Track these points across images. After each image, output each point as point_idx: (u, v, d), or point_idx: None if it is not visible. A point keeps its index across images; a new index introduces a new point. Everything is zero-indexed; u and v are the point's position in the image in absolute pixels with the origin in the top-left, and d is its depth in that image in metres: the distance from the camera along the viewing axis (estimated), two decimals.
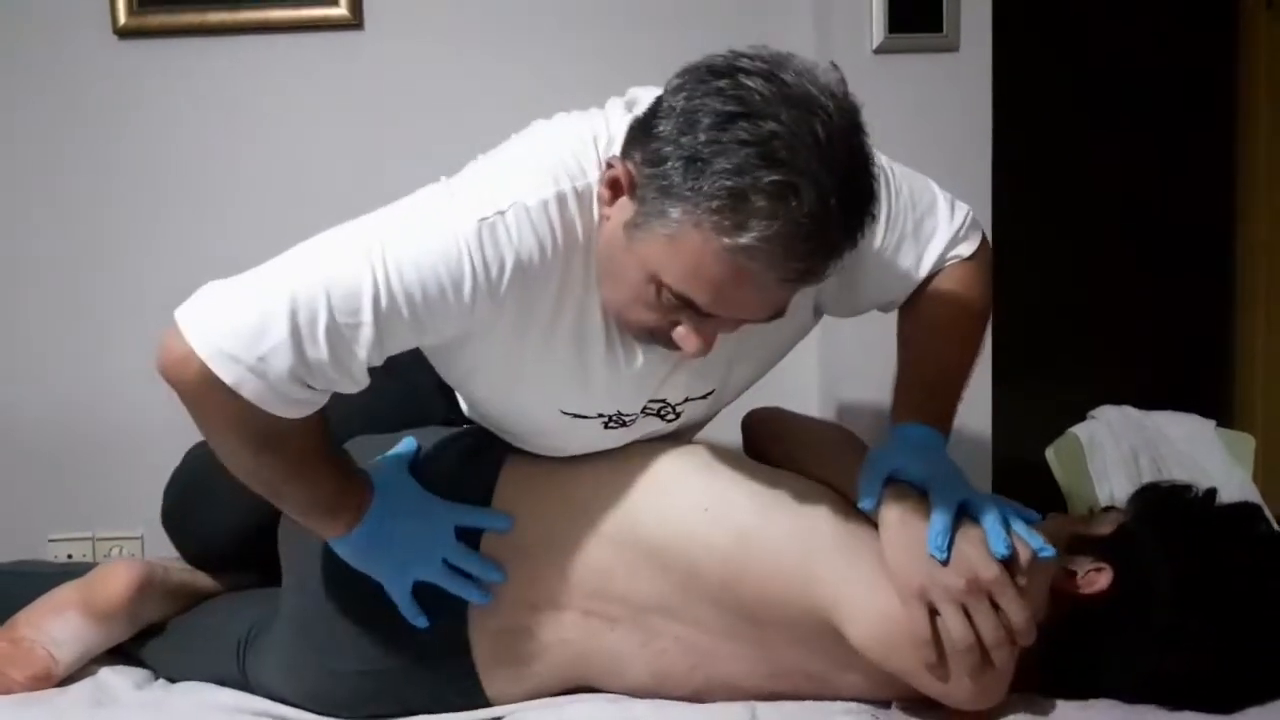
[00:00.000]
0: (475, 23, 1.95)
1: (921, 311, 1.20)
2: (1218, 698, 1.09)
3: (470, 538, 1.16)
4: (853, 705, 1.14)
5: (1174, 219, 2.42)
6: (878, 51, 1.86)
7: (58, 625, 1.28)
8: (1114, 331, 2.38)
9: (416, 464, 1.20)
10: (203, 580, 1.39)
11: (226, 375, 0.96)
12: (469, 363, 1.11)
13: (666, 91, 0.94)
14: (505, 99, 1.91)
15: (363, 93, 1.93)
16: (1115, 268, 2.42)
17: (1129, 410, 2.00)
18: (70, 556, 1.89)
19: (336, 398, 1.25)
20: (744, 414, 1.33)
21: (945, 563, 1.02)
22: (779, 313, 0.98)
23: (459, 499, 1.18)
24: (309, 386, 0.99)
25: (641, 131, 0.95)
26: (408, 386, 1.21)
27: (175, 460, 1.43)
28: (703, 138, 0.88)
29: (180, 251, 1.89)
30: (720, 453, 1.22)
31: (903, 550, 1.05)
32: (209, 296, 0.99)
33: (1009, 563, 1.03)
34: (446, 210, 0.99)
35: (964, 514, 1.06)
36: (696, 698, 1.16)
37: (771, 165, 0.86)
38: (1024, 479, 1.79)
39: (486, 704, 1.17)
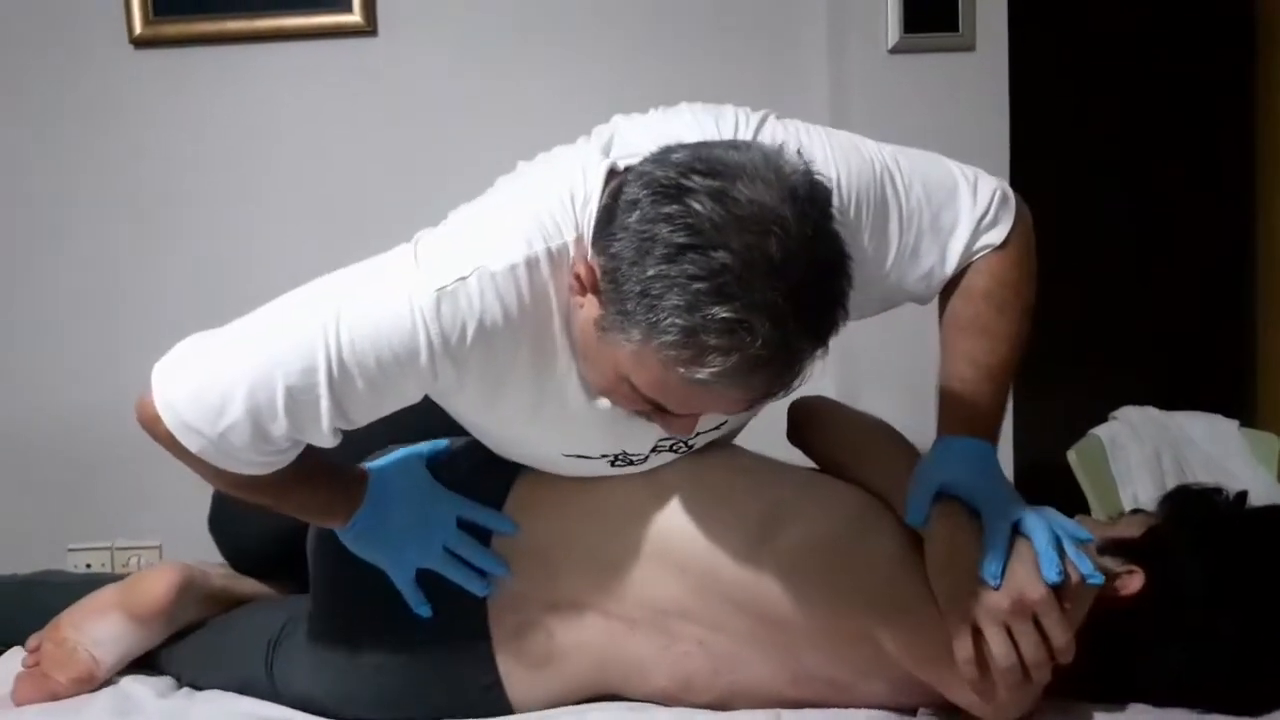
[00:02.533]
0: (488, 29, 1.95)
1: (957, 312, 1.16)
2: (1249, 700, 1.08)
3: (483, 537, 1.17)
4: (877, 714, 1.12)
5: (1193, 217, 2.39)
6: (893, 51, 1.85)
7: (100, 626, 1.29)
8: (1134, 331, 2.36)
9: (437, 464, 1.21)
10: (242, 585, 1.40)
11: (190, 444, 0.99)
12: (456, 410, 1.11)
13: (622, 202, 0.90)
14: (518, 104, 1.92)
15: (377, 99, 1.93)
16: (1135, 266, 2.40)
17: (1151, 411, 1.99)
18: (89, 566, 1.90)
19: None
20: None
21: (997, 589, 1.01)
22: (756, 406, 0.97)
23: (473, 499, 1.18)
24: (276, 451, 1.01)
25: (601, 232, 0.93)
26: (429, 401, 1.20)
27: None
28: (651, 271, 0.86)
29: (198, 260, 1.90)
30: (742, 455, 1.21)
31: (949, 569, 1.03)
32: (180, 358, 1.02)
33: (1058, 587, 1.02)
34: (406, 279, 0.97)
35: (1014, 532, 1.04)
36: (720, 705, 1.15)
37: (722, 300, 0.84)
38: (1046, 481, 1.78)
39: (509, 707, 1.16)
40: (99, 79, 1.90)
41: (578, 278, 0.95)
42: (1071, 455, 1.93)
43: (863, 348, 1.81)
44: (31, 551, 1.73)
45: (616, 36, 1.93)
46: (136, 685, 1.27)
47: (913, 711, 1.13)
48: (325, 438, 1.01)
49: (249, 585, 1.40)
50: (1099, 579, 1.03)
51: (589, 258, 0.95)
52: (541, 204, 1.00)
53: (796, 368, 0.90)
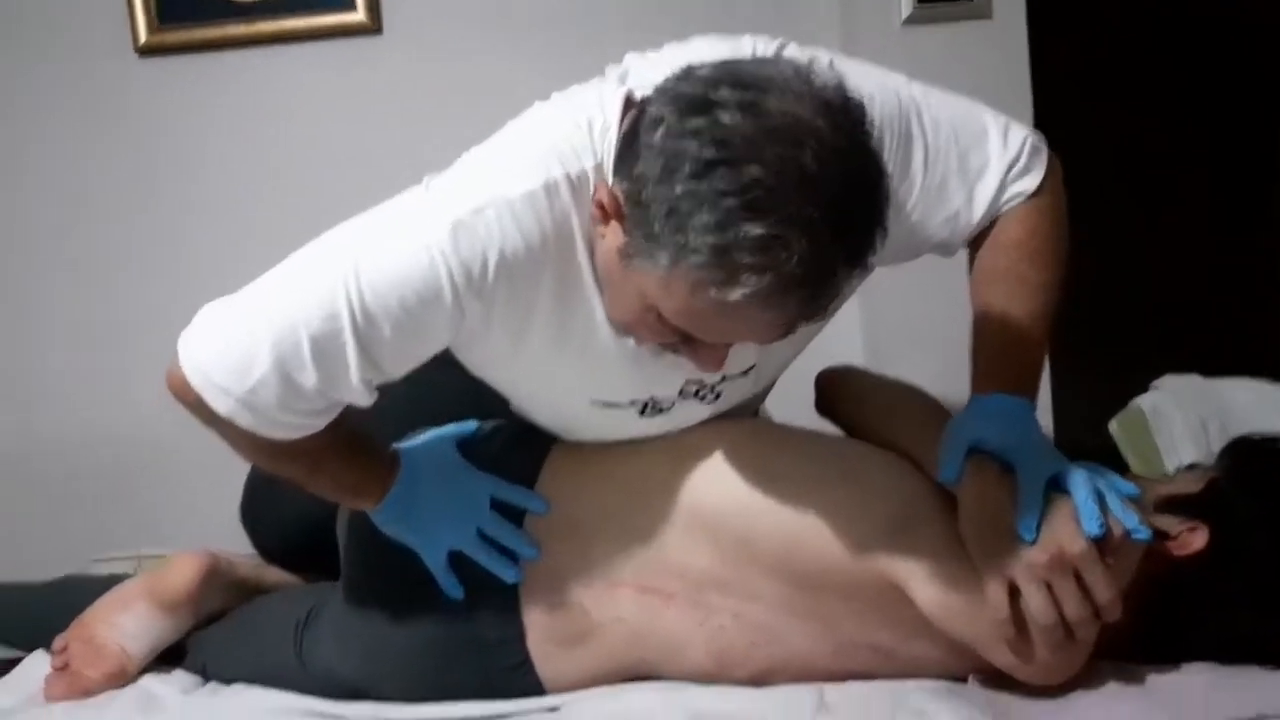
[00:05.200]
0: (493, 25, 1.94)
1: (987, 265, 1.11)
2: None
3: (514, 517, 1.14)
4: (926, 683, 1.08)
5: (1226, 181, 2.33)
6: (907, 23, 1.82)
7: (127, 618, 1.28)
8: (1171, 299, 2.29)
9: (469, 444, 1.19)
10: (269, 575, 1.39)
11: (220, 407, 0.97)
12: (482, 359, 1.08)
13: (645, 120, 0.87)
14: (524, 101, 1.89)
15: (383, 97, 1.92)
16: (1167, 233, 2.33)
17: (1194, 378, 1.92)
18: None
19: (394, 394, 1.23)
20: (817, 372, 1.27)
21: (1033, 543, 0.96)
22: (788, 334, 0.92)
23: (504, 478, 1.16)
24: (309, 411, 0.99)
25: (623, 157, 0.91)
26: (466, 380, 1.17)
27: (219, 478, 1.41)
28: (680, 189, 0.82)
29: (210, 265, 1.90)
30: (775, 425, 1.18)
31: (983, 525, 0.99)
32: (204, 323, 1.00)
33: (1099, 541, 0.97)
34: (420, 216, 0.95)
35: (1053, 487, 1.00)
36: (760, 680, 1.11)
37: (755, 216, 0.80)
38: (1088, 455, 1.72)
39: (540, 688, 1.13)
40: (106, 88, 1.90)
41: (599, 206, 0.92)
42: (1113, 426, 1.87)
43: (891, 310, 1.77)
44: (57, 565, 1.71)
45: (623, 30, 1.91)
46: (160, 683, 1.25)
47: (963, 678, 1.08)
48: (357, 391, 0.99)
49: (275, 575, 1.39)
50: (1145, 534, 0.98)
51: (610, 184, 0.91)
52: (558, 132, 0.97)
53: (833, 288, 0.86)
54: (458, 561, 1.13)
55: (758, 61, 0.89)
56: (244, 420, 0.98)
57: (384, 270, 0.94)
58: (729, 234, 0.81)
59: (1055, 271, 1.11)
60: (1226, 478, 1.10)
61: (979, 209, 1.09)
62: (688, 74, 0.87)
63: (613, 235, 0.91)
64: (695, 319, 0.89)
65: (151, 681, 1.25)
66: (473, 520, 1.12)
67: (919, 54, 1.81)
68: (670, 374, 1.07)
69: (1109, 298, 2.13)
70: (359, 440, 1.11)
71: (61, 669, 1.26)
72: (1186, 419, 1.86)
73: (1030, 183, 1.10)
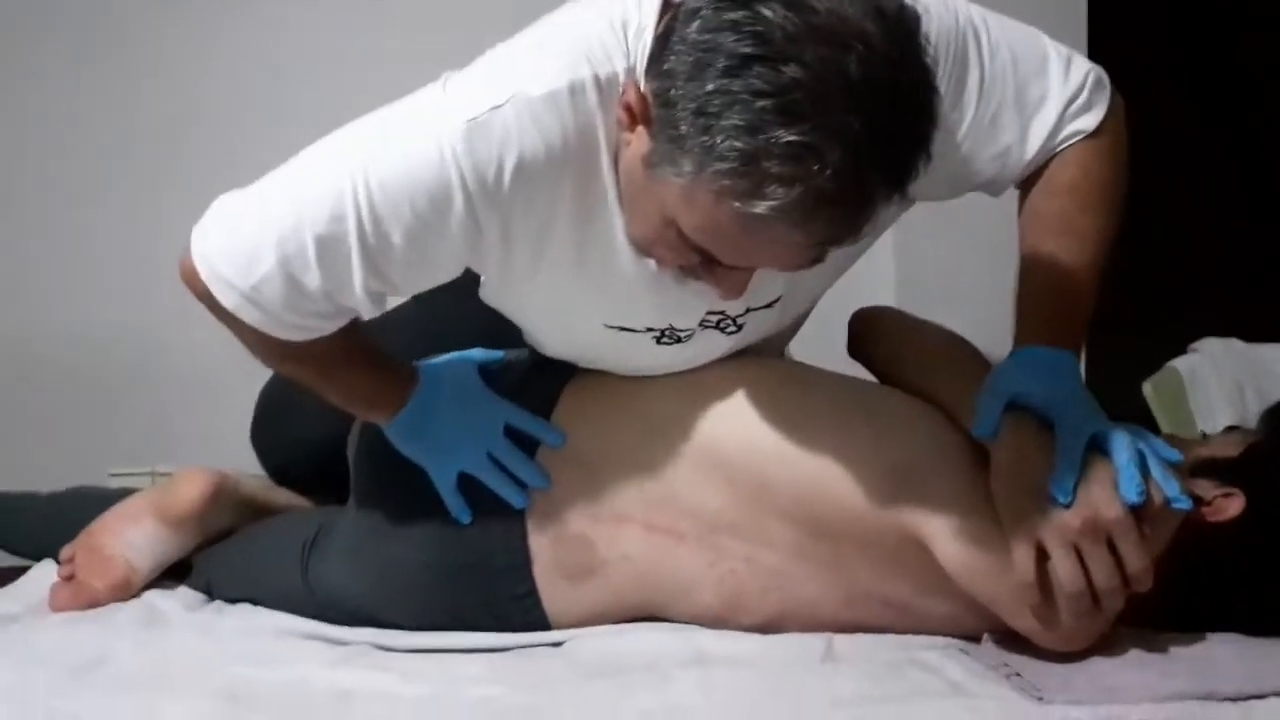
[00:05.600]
0: None
1: (1038, 209, 1.06)
2: None
3: (528, 447, 1.12)
4: (938, 639, 1.06)
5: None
6: None
7: (134, 532, 1.27)
8: (1219, 255, 2.17)
9: (490, 372, 1.17)
10: (278, 496, 1.38)
11: (225, 301, 0.96)
12: (500, 282, 1.04)
13: (681, 13, 0.81)
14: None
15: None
16: (1219, 185, 2.19)
17: (1234, 343, 1.88)
18: None
19: (411, 325, 1.18)
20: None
21: (1068, 506, 0.92)
22: (817, 262, 0.87)
23: (522, 407, 1.14)
24: (315, 313, 0.98)
25: (656, 57, 0.84)
26: (484, 312, 1.14)
27: (236, 395, 1.42)
28: (712, 86, 0.76)
29: (231, 166, 1.89)
30: (799, 365, 1.14)
31: (1015, 484, 0.95)
32: (215, 214, 0.99)
33: (1137, 508, 0.92)
34: (434, 113, 0.90)
35: (1093, 448, 0.95)
36: (769, 627, 1.09)
37: (790, 121, 0.74)
38: (1120, 417, 1.67)
39: (545, 622, 1.11)
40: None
41: (627, 108, 0.87)
42: (1147, 388, 1.83)
43: (926, 260, 1.72)
44: (73, 477, 1.72)
45: None
46: (164, 598, 1.25)
47: (977, 637, 1.05)
48: (361, 301, 0.96)
49: (284, 496, 1.38)
50: (1186, 503, 0.94)
51: (641, 86, 0.86)
52: (589, 31, 0.91)
53: (868, 210, 0.81)
54: (467, 484, 1.11)
55: None
56: (249, 316, 0.96)
57: (394, 169, 0.90)
58: (759, 139, 0.75)
59: (1110, 219, 1.05)
60: (1268, 442, 1.06)
61: (1033, 146, 1.03)
62: None
63: (639, 142, 0.86)
64: (717, 236, 0.84)
65: (156, 597, 1.26)
66: (485, 444, 1.10)
67: None
68: (691, 302, 1.03)
69: (1156, 250, 2.02)
70: (374, 350, 1.09)
71: (68, 578, 1.26)
72: (1222, 383, 1.82)
73: (1090, 121, 1.04)
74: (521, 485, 1.10)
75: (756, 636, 1.08)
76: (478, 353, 1.19)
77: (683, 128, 0.79)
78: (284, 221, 0.93)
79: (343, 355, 1.05)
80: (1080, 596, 0.93)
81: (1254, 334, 1.88)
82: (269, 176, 0.97)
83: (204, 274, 0.96)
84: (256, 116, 1.91)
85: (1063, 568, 0.93)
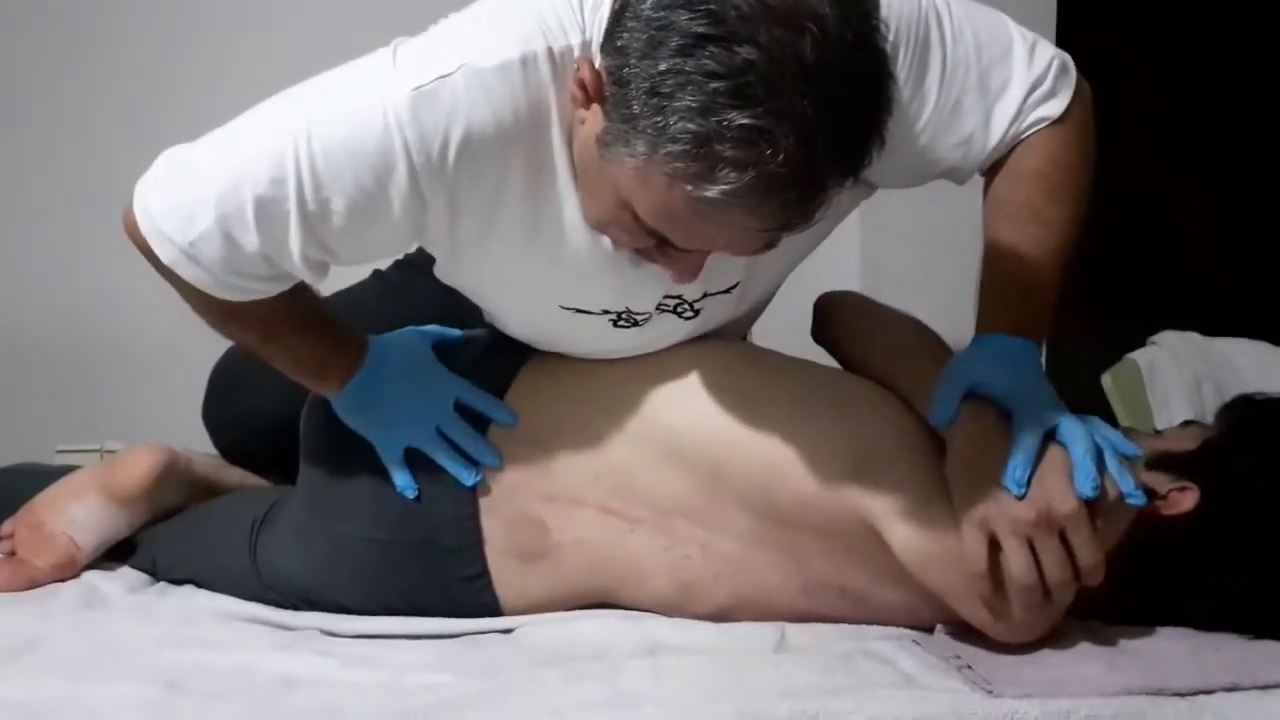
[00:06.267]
0: None
1: (1003, 196, 1.05)
2: None
3: (480, 425, 1.11)
4: (891, 630, 1.06)
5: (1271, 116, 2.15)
6: None
7: (78, 509, 1.24)
8: (1184, 245, 2.16)
9: (445, 349, 1.15)
10: (229, 475, 1.36)
11: (164, 255, 0.95)
12: (451, 259, 1.02)
13: None
14: None
15: None
16: (1185, 176, 2.18)
17: (1193, 336, 1.88)
18: None
19: (370, 303, 1.16)
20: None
21: (1021, 498, 0.91)
22: (770, 247, 0.86)
23: (476, 385, 1.12)
24: (254, 275, 0.96)
25: (611, 33, 0.83)
26: (446, 289, 1.13)
27: (188, 372, 1.40)
28: (664, 66, 0.76)
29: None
30: (759, 350, 1.13)
31: (970, 474, 0.94)
32: (159, 168, 0.97)
33: (1091, 502, 0.92)
34: (381, 79, 0.88)
35: (1051, 439, 0.95)
36: (724, 615, 1.08)
37: (742, 104, 0.74)
38: (1078, 407, 1.67)
39: (497, 605, 1.10)
40: None
41: (581, 85, 0.85)
42: (1106, 379, 1.83)
43: (890, 246, 1.71)
44: (18, 454, 1.69)
45: None
46: (105, 580, 1.22)
47: (931, 628, 1.05)
48: (299, 267, 0.95)
49: (235, 475, 1.35)
50: (1140, 499, 0.94)
51: (596, 63, 0.84)
52: (545, 2, 0.89)
53: (820, 196, 0.80)
54: (418, 463, 1.09)
55: None
56: (186, 273, 0.95)
57: (337, 134, 0.88)
58: (711, 121, 0.74)
59: (1075, 207, 1.04)
60: (1224, 437, 1.06)
61: (996, 133, 1.02)
62: None
63: (593, 120, 0.85)
64: (670, 220, 0.83)
65: (97, 578, 1.22)
66: (434, 419, 1.09)
67: None
68: (648, 284, 1.01)
69: (1117, 242, 2.02)
70: (322, 317, 1.07)
71: (9, 554, 1.23)
72: (1182, 377, 1.82)
73: (1055, 108, 1.03)
74: (472, 463, 1.09)
75: (710, 625, 1.07)
76: (433, 329, 1.17)
77: (635, 107, 0.78)
78: (224, 179, 0.91)
79: (287, 319, 1.03)
80: (1031, 589, 0.92)
81: (1213, 328, 1.89)
82: (217, 131, 0.95)
83: (144, 227, 0.95)
84: (213, 82, 1.86)
85: (1014, 559, 0.92)
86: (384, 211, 0.91)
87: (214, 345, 1.19)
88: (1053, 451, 0.94)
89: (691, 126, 0.75)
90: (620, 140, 0.80)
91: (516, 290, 1.06)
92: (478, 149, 0.88)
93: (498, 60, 0.87)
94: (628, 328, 1.07)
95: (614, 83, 0.81)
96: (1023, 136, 1.04)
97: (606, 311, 1.05)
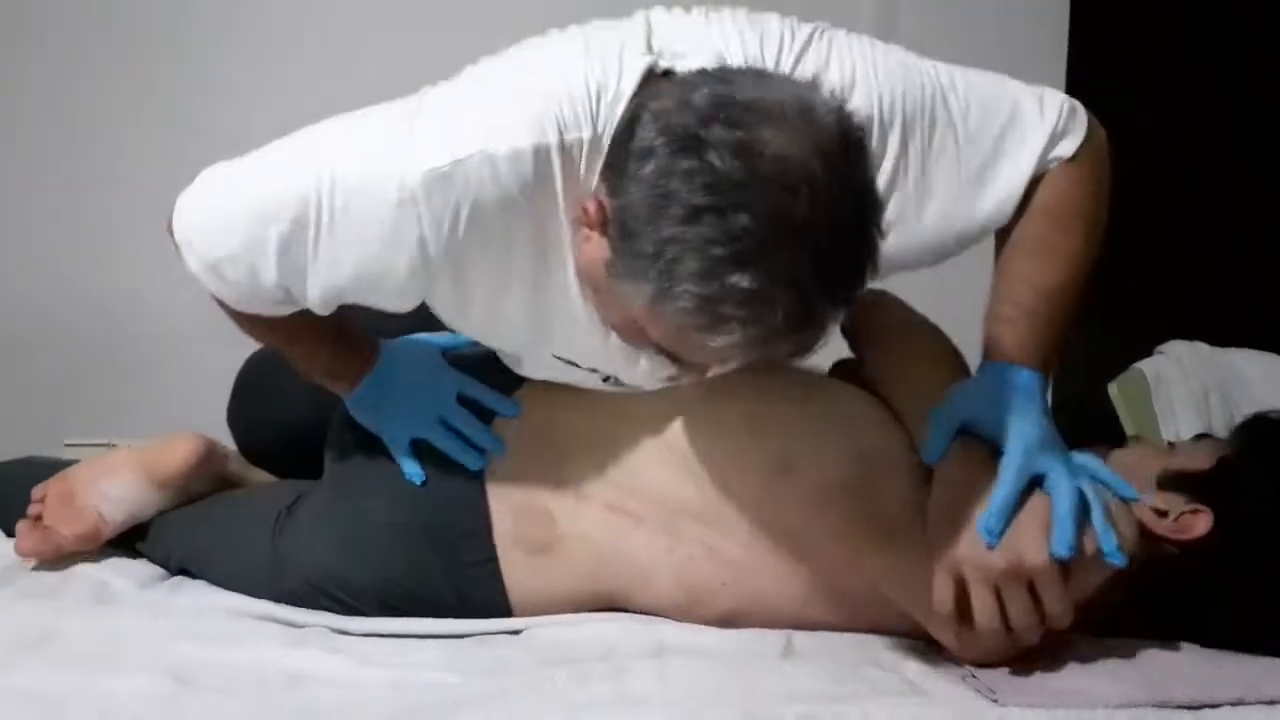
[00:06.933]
0: None
1: (1014, 230, 1.04)
2: None
3: (486, 421, 1.15)
4: (898, 639, 1.06)
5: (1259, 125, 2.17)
6: None
7: (112, 484, 1.26)
8: (1193, 262, 2.17)
9: (454, 354, 1.20)
10: (254, 474, 1.38)
11: (192, 266, 1.02)
12: (451, 310, 1.05)
13: (636, 147, 0.84)
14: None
15: None
16: (1193, 183, 2.19)
17: (1200, 346, 1.88)
18: None
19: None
20: None
21: (992, 547, 0.92)
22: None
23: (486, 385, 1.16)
24: (272, 301, 1.01)
25: (614, 167, 0.87)
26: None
27: (195, 368, 1.46)
28: (666, 233, 0.80)
29: (206, 147, 1.85)
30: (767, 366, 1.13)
31: (948, 514, 0.95)
32: (200, 183, 1.02)
33: (1062, 561, 0.92)
34: (399, 152, 0.92)
35: (1038, 485, 0.95)
36: (729, 621, 1.09)
37: (742, 268, 0.78)
38: (1084, 417, 1.67)
39: (504, 594, 1.12)
40: None
41: (586, 211, 0.89)
42: (1112, 388, 1.83)
43: (895, 283, 1.71)
44: (27, 446, 1.70)
45: None
46: (116, 575, 1.23)
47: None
48: (314, 304, 0.99)
49: (260, 476, 1.38)
50: (1119, 560, 0.94)
51: (600, 195, 0.88)
52: (564, 88, 0.91)
53: (820, 334, 0.85)
54: (428, 455, 1.14)
55: (759, 81, 0.85)
56: (212, 286, 1.01)
57: (354, 192, 0.92)
58: (714, 285, 0.79)
59: (1086, 243, 1.04)
60: (1240, 457, 1.04)
61: (1022, 186, 1.03)
62: (684, 99, 0.83)
63: (598, 245, 0.88)
64: (681, 349, 0.88)
65: (109, 572, 1.23)
66: (439, 411, 1.14)
67: None
68: (646, 367, 1.05)
69: (1125, 251, 2.03)
70: (342, 326, 1.10)
71: (36, 519, 1.25)
72: (1189, 387, 1.82)
73: (1068, 147, 1.04)
74: (477, 450, 1.12)
75: (716, 630, 1.08)
76: (444, 336, 1.20)
77: (642, 264, 0.82)
78: (252, 212, 0.96)
79: (308, 329, 1.08)
80: (994, 634, 0.93)
81: (1221, 338, 1.89)
82: (255, 155, 0.99)
83: (178, 238, 1.01)
84: (226, 95, 1.88)
85: (979, 604, 0.93)
86: (390, 273, 0.95)
87: (222, 343, 1.20)
88: (1035, 501, 0.94)
89: (695, 289, 0.79)
90: (629, 278, 0.84)
91: (515, 336, 1.08)
92: (487, 217, 0.92)
93: (510, 148, 0.90)
94: (615, 386, 1.10)
95: (619, 230, 0.84)
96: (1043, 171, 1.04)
97: (595, 370, 1.08)
